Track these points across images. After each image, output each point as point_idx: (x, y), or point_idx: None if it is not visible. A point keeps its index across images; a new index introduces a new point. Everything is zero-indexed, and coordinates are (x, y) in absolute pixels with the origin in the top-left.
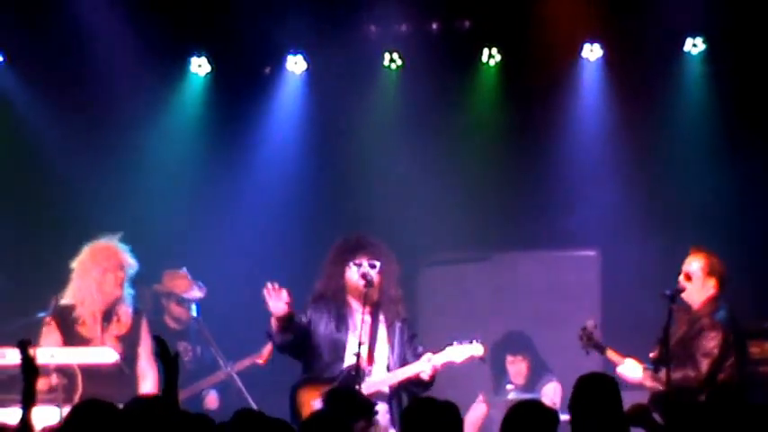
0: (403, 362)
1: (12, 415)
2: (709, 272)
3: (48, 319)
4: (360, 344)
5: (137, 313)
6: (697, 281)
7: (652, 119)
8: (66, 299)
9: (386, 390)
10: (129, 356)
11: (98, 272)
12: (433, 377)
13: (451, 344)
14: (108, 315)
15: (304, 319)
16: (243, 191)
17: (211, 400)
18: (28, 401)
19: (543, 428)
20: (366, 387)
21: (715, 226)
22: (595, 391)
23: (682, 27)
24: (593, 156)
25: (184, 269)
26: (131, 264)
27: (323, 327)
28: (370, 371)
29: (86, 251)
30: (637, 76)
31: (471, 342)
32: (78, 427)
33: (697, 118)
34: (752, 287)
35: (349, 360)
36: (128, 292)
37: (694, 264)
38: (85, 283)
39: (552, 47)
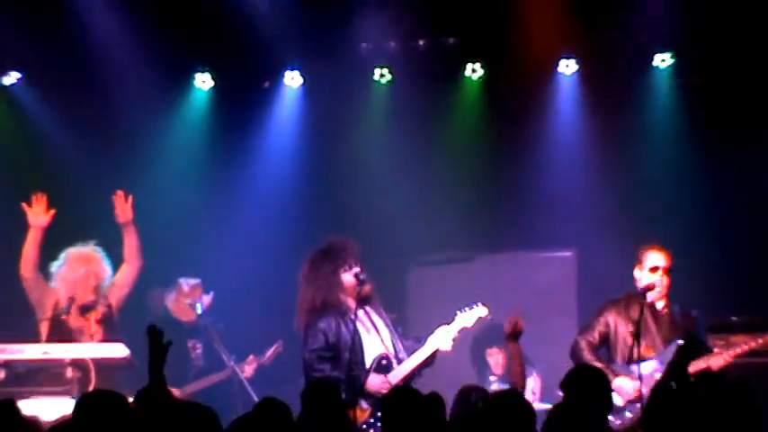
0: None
1: (29, 406)
2: (672, 267)
3: (65, 317)
4: (381, 340)
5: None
6: (667, 275)
7: (624, 128)
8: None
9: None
10: (111, 323)
11: (71, 279)
12: (435, 355)
13: (458, 312)
14: (86, 309)
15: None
16: (245, 196)
17: (249, 367)
18: (156, 380)
19: (518, 415)
20: (393, 376)
21: (684, 227)
22: (588, 381)
23: (651, 43)
24: (569, 163)
25: (198, 281)
26: (106, 270)
27: (342, 330)
28: (397, 359)
29: (64, 258)
30: (609, 89)
31: (475, 305)
32: (89, 415)
33: (665, 127)
34: (721, 284)
35: (369, 358)
36: (104, 287)
37: (664, 259)
38: (61, 287)
39: (531, 62)
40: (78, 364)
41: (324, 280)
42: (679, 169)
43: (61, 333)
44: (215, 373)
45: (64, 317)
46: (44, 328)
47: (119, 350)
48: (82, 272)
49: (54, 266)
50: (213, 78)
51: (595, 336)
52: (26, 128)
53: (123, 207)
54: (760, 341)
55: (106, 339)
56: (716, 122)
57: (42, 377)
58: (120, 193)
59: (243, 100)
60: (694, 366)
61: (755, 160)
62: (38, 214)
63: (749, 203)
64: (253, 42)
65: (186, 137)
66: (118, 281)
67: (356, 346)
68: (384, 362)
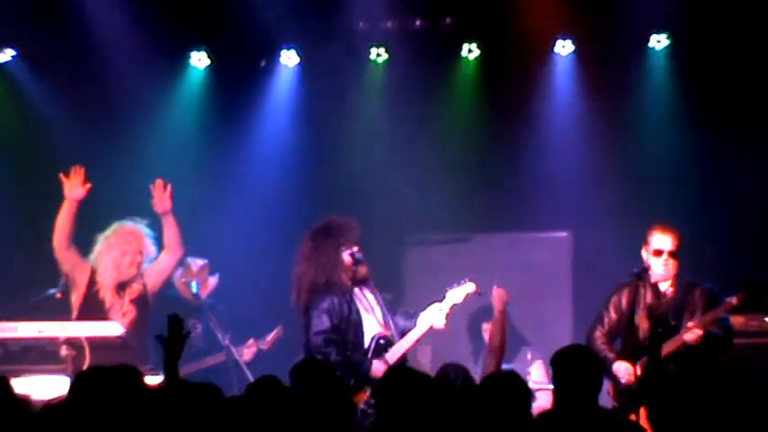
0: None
1: (24, 384)
2: (681, 247)
3: (59, 294)
4: (377, 320)
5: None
6: (675, 257)
7: (619, 108)
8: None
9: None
10: (145, 305)
11: (118, 252)
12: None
13: (448, 290)
14: (122, 286)
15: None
16: (241, 175)
17: (248, 351)
18: (171, 371)
19: (515, 396)
20: (390, 355)
21: (680, 208)
22: (574, 362)
23: (647, 24)
24: (565, 143)
25: (205, 261)
26: (151, 250)
27: (344, 310)
28: (393, 337)
29: (113, 230)
30: (605, 70)
31: (464, 282)
32: (83, 393)
33: (660, 108)
34: (715, 261)
35: (368, 336)
36: (143, 269)
37: (668, 242)
38: (105, 258)
39: (527, 42)
40: (73, 342)
41: (326, 257)
42: (675, 150)
43: (94, 309)
44: (213, 355)
45: (58, 295)
46: (77, 303)
47: (113, 329)
48: (133, 247)
49: (101, 236)
50: (209, 57)
51: (605, 323)
52: (20, 105)
53: (162, 196)
54: (720, 312)
55: (139, 320)
56: (711, 104)
57: (37, 355)
58: (159, 182)
59: (239, 79)
60: (670, 345)
61: (751, 142)
62: (74, 187)
63: (745, 185)
64: (249, 21)
65: (182, 115)
66: (157, 267)
67: (356, 327)
68: (382, 341)
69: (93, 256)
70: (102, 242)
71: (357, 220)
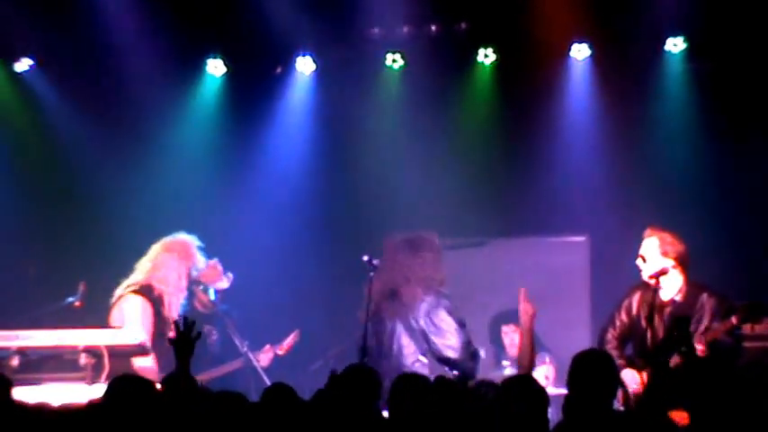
0: None
1: (43, 392)
2: (664, 252)
3: (78, 303)
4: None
5: None
6: (652, 262)
7: (635, 112)
8: (139, 277)
9: None
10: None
11: (186, 265)
12: None
13: None
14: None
15: None
16: (258, 181)
17: (265, 357)
18: (182, 369)
19: (532, 401)
20: None
21: (697, 211)
22: (593, 366)
23: (663, 28)
24: (582, 148)
25: (215, 260)
26: (203, 262)
27: None
28: None
29: (175, 243)
30: (621, 74)
31: None
32: (119, 399)
33: (677, 112)
34: (732, 266)
35: None
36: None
37: (648, 245)
38: (173, 271)
39: (543, 47)
40: (92, 350)
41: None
42: (692, 154)
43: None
44: (229, 362)
45: (77, 303)
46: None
47: (132, 336)
48: (191, 263)
49: (160, 245)
50: (225, 64)
51: (616, 326)
52: (38, 114)
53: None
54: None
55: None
56: (729, 107)
57: (56, 364)
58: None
59: (255, 86)
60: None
61: None
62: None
63: (762, 188)
64: (265, 28)
65: (199, 123)
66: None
67: None
68: None
69: (155, 262)
70: (165, 255)
71: (369, 225)
